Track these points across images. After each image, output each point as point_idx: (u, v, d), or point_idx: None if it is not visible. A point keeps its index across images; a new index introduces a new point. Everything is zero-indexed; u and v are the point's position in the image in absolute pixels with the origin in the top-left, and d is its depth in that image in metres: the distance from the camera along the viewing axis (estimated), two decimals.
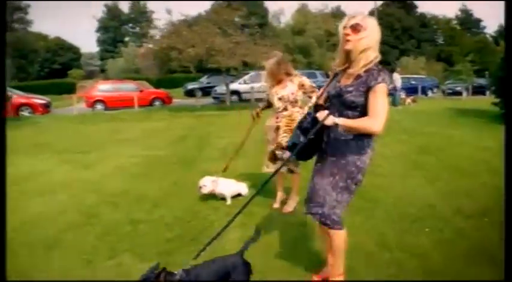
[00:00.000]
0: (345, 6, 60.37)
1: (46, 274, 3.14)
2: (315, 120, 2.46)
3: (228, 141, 8.93)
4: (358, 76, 2.44)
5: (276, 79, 4.35)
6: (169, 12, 17.47)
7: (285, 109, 4.31)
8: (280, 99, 4.31)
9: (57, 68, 52.87)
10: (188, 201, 4.85)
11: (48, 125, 13.91)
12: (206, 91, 26.25)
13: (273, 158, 4.42)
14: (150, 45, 19.86)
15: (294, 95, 4.29)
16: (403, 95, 21.01)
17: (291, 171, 4.44)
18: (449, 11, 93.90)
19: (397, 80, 18.89)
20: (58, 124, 14.24)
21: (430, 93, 28.28)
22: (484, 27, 60.50)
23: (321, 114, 2.42)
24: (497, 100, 13.18)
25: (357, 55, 2.44)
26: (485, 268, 3.01)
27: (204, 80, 28.93)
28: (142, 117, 15.76)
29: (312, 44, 45.56)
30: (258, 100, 21.93)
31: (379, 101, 2.39)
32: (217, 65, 17.19)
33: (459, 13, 59.90)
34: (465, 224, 3.90)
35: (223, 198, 4.78)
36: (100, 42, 58.82)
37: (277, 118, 4.37)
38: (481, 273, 2.94)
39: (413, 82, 26.94)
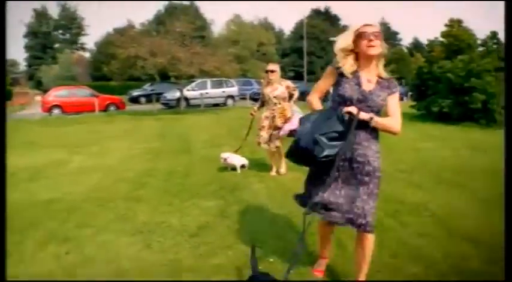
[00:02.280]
0: (273, 18, 63.55)
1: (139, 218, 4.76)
2: (348, 118, 2.51)
3: (206, 136, 10.73)
4: (378, 81, 2.61)
5: (277, 81, 6.20)
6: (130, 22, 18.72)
7: (278, 104, 6.19)
8: (275, 97, 6.16)
9: None
10: (210, 172, 6.60)
11: (22, 127, 14.68)
12: (150, 98, 27.61)
13: (269, 138, 6.25)
14: (87, 54, 21.10)
15: (283, 93, 6.17)
16: None
17: (276, 146, 6.25)
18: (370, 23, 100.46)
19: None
20: (30, 126, 15.07)
21: None
22: (400, 40, 66.20)
23: (353, 110, 2.51)
24: (414, 103, 16.22)
25: (378, 61, 2.63)
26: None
27: (148, 88, 30.19)
28: (107, 120, 16.92)
29: (246, 54, 47.87)
30: (215, 105, 23.78)
31: (398, 105, 2.64)
32: (177, 73, 18.84)
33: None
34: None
35: (234, 169, 6.56)
36: (28, 48, 57.01)
37: (273, 110, 6.21)
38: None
39: None
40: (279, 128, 6.12)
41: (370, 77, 2.59)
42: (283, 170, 6.36)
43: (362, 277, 2.74)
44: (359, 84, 2.57)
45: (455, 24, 19.87)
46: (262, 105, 6.47)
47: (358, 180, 2.59)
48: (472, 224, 4.10)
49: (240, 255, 3.38)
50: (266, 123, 6.28)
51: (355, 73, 2.59)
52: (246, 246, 3.50)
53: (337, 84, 2.65)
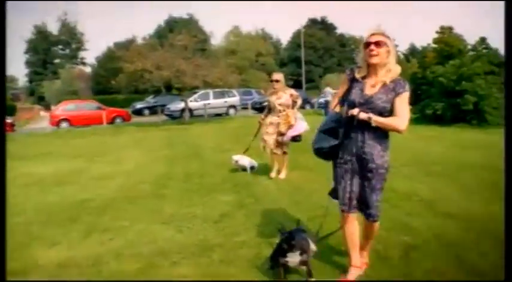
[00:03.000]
0: (270, 28, 64.54)
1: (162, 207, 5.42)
2: (347, 119, 2.81)
3: (212, 143, 11.43)
4: (384, 85, 2.81)
5: (281, 89, 6.57)
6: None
7: (283, 111, 6.56)
8: (280, 104, 6.53)
9: None
10: (223, 173, 7.26)
11: (35, 140, 15.40)
12: (153, 110, 28.40)
13: (276, 143, 6.61)
14: (88, 69, 22.02)
15: (287, 101, 6.52)
16: None
17: (284, 152, 6.67)
18: (365, 31, 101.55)
19: (330, 94, 22.19)
20: (43, 139, 15.79)
21: None
22: (397, 46, 66.95)
23: (354, 111, 2.78)
24: (410, 107, 16.92)
25: (382, 67, 2.81)
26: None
27: (151, 100, 30.95)
28: (116, 131, 17.64)
29: (245, 64, 48.67)
30: (217, 115, 24.47)
31: (405, 105, 2.80)
32: (182, 85, 19.67)
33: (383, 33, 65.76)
34: None
35: (244, 170, 7.22)
36: (29, 64, 57.85)
37: (278, 117, 6.55)
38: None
39: None
40: (283, 134, 6.49)
41: (374, 82, 2.83)
42: (283, 175, 6.66)
43: (364, 255, 3.16)
44: (362, 89, 2.84)
45: (446, 31, 20.72)
46: (269, 112, 6.77)
47: (362, 175, 2.88)
48: (455, 205, 4.79)
49: (258, 235, 4.05)
50: (271, 129, 6.63)
51: (363, 79, 2.87)
52: (263, 228, 4.19)
53: (348, 90, 2.93)
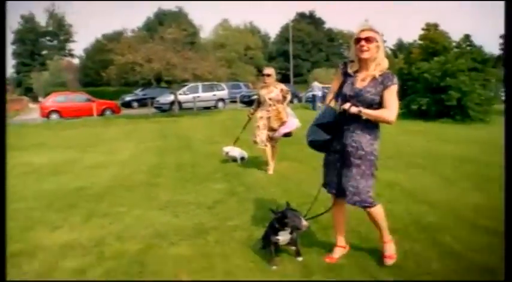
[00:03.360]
0: (258, 21, 64.59)
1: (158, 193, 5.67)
2: (340, 113, 2.99)
3: (202, 135, 11.70)
4: (373, 78, 2.95)
5: (272, 84, 6.64)
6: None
7: (273, 105, 6.58)
8: (270, 99, 6.53)
9: None
10: (214, 163, 7.53)
11: (27, 131, 15.50)
12: (142, 102, 28.50)
13: (268, 138, 6.65)
14: (75, 61, 22.05)
15: (278, 96, 6.54)
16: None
17: (273, 146, 6.72)
18: (353, 26, 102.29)
19: (317, 88, 22.50)
20: (34, 130, 15.88)
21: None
22: (385, 41, 67.43)
23: (346, 105, 2.94)
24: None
25: (372, 62, 2.95)
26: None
27: (140, 92, 31.00)
28: (106, 123, 17.80)
29: (234, 57, 48.83)
30: (206, 108, 24.68)
31: (393, 98, 2.93)
32: (172, 78, 19.84)
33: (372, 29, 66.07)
34: None
35: (235, 160, 7.49)
36: (16, 54, 57.23)
37: (268, 111, 6.56)
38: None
39: (326, 90, 30.99)
40: (274, 130, 6.56)
41: (364, 76, 2.97)
42: (271, 171, 6.65)
43: (386, 240, 3.24)
44: (353, 83, 2.99)
45: (431, 28, 21.13)
46: (259, 106, 6.81)
47: (351, 162, 3.01)
48: (433, 194, 5.14)
49: (251, 219, 4.34)
50: (261, 123, 6.64)
51: (355, 73, 3.03)
52: (254, 213, 4.50)
53: (341, 84, 3.09)
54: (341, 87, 3.08)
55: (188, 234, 4.01)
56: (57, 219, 4.67)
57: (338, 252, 3.34)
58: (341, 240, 3.38)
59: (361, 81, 3.00)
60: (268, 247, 3.34)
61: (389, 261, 3.16)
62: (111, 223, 4.47)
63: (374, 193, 3.15)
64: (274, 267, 3.19)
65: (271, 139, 6.67)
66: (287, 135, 6.61)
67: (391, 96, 2.93)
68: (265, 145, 6.69)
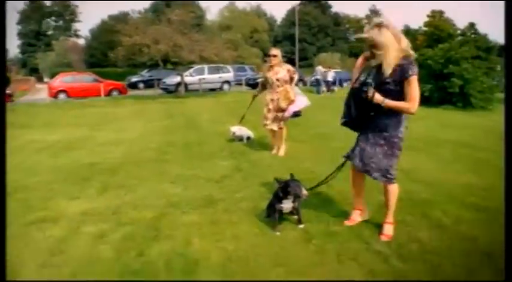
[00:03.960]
0: (265, 4, 64.05)
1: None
2: (365, 98, 3.17)
3: (209, 116, 12.03)
4: (394, 70, 3.09)
5: (278, 64, 6.50)
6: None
7: (281, 86, 6.49)
8: (277, 80, 6.45)
9: None
10: (220, 142, 7.85)
11: (36, 111, 15.82)
12: (148, 84, 28.79)
13: (276, 118, 6.59)
14: (81, 41, 22.29)
15: (285, 76, 6.43)
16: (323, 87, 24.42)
17: (280, 128, 6.62)
18: (360, 11, 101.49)
19: (324, 73, 22.75)
20: (44, 109, 16.24)
21: (345, 84, 32.66)
22: None
23: (371, 92, 3.13)
24: None
25: (387, 55, 3.08)
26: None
27: (146, 74, 31.25)
28: (114, 103, 18.16)
29: (239, 40, 48.81)
30: (211, 90, 24.97)
31: (414, 88, 3.08)
32: (179, 60, 20.10)
33: (368, 13, 65.54)
34: None
35: (241, 140, 7.79)
36: (21, 35, 57.27)
37: (277, 92, 6.47)
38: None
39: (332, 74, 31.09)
40: (283, 110, 6.45)
41: (385, 68, 3.15)
42: (282, 152, 6.70)
43: (389, 220, 3.52)
44: (377, 72, 3.24)
45: (437, 15, 21.21)
46: (264, 88, 6.82)
47: (376, 141, 3.33)
48: (428, 174, 5.46)
49: (256, 192, 4.67)
50: (271, 105, 6.59)
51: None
52: (259, 187, 4.83)
53: (369, 72, 3.32)
54: (368, 75, 3.28)
55: (198, 205, 4.34)
56: (74, 191, 4.98)
57: (357, 216, 3.72)
58: (357, 203, 3.76)
59: (383, 72, 3.15)
60: (273, 215, 3.67)
61: (384, 238, 3.42)
62: (126, 194, 4.80)
63: (395, 171, 3.43)
64: (278, 233, 3.53)
65: (276, 119, 6.61)
66: (296, 114, 6.53)
67: (412, 86, 3.09)
68: (273, 125, 6.66)
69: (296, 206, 3.59)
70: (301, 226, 3.63)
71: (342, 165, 3.71)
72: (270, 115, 6.63)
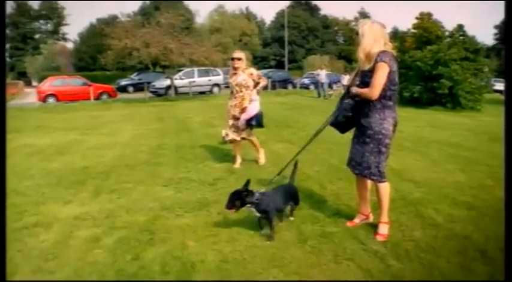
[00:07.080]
0: (254, 7, 64.17)
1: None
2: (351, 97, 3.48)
3: (199, 119, 12.07)
4: (374, 62, 3.26)
5: (241, 68, 5.85)
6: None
7: (240, 92, 5.86)
8: (236, 85, 5.86)
9: None
10: (212, 145, 7.84)
11: (26, 114, 15.67)
12: (137, 87, 28.69)
13: (234, 126, 5.99)
14: (69, 45, 22.15)
15: (245, 81, 5.80)
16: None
17: (243, 138, 6.03)
18: (349, 13, 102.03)
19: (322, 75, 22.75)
20: (34, 113, 16.08)
21: (334, 87, 32.79)
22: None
23: (352, 89, 3.45)
24: None
25: (364, 52, 3.31)
26: None
27: (135, 77, 31.14)
28: (104, 107, 18.04)
29: (229, 43, 48.86)
30: (201, 93, 24.94)
31: (377, 75, 3.20)
32: (169, 63, 20.06)
33: (357, 15, 65.91)
34: None
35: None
36: (9, 39, 56.59)
37: (236, 98, 5.94)
38: None
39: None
40: (238, 119, 5.92)
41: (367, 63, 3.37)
42: (262, 160, 6.23)
43: (383, 220, 3.55)
44: (362, 70, 3.47)
45: (425, 17, 21.43)
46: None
47: (363, 140, 3.43)
48: (419, 174, 5.51)
49: None
50: (231, 113, 6.05)
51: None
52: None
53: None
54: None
55: (192, 207, 4.33)
56: (66, 195, 4.95)
57: (359, 219, 3.77)
58: (361, 208, 3.80)
59: (360, 61, 3.41)
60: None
61: (379, 238, 3.43)
62: (119, 198, 4.78)
63: (384, 169, 3.47)
64: (262, 232, 3.58)
65: (237, 129, 6.00)
66: (250, 123, 5.90)
67: (376, 73, 3.21)
68: (235, 135, 6.04)
69: (258, 213, 3.60)
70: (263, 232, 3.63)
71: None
72: (230, 123, 6.06)
